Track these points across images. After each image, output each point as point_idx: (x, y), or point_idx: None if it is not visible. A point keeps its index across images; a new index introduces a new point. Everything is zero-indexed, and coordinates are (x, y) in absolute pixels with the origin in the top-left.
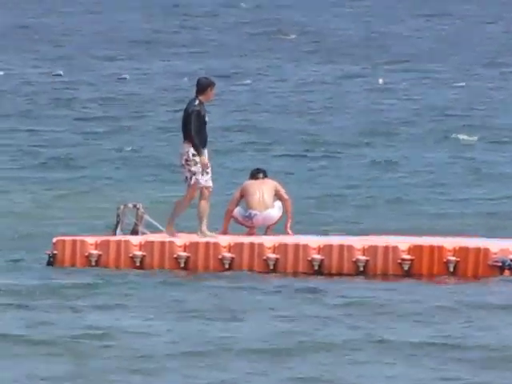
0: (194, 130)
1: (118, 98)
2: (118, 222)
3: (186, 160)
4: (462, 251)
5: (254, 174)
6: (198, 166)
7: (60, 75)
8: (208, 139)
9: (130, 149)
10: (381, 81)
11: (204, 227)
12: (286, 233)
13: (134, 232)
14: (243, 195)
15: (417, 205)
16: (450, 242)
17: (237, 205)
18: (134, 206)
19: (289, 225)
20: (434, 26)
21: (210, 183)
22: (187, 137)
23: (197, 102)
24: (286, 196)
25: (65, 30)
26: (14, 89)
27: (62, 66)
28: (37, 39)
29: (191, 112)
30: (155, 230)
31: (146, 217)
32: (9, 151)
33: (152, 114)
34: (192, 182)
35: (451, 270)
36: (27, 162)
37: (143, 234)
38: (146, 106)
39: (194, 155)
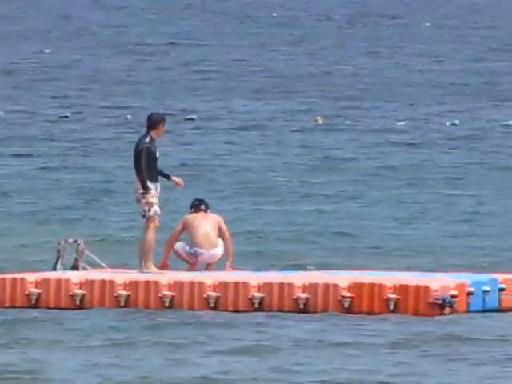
0: (143, 166)
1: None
2: (58, 258)
3: (142, 193)
4: (402, 289)
5: (196, 206)
6: (155, 197)
7: None
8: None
9: (70, 184)
10: (319, 119)
11: (150, 262)
12: (226, 270)
13: (75, 267)
14: (185, 229)
15: (359, 239)
16: (390, 280)
17: (177, 238)
18: (75, 241)
19: (228, 264)
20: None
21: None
22: (137, 172)
23: (148, 139)
24: (227, 234)
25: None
26: None
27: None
28: None
29: (141, 149)
30: (96, 266)
31: (87, 252)
32: None
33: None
34: (151, 213)
35: (391, 307)
36: None
37: (84, 269)
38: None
39: (149, 188)
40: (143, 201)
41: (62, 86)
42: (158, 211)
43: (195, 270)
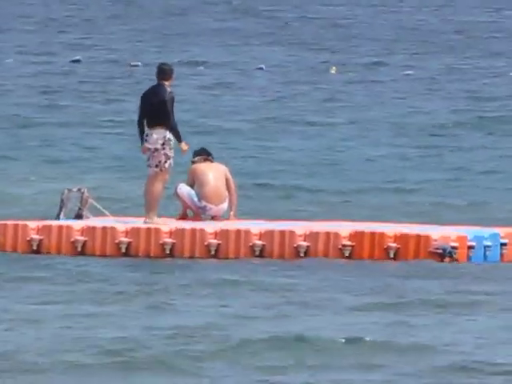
0: (172, 115)
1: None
2: (61, 207)
3: (163, 144)
4: (403, 238)
5: (202, 155)
6: (172, 150)
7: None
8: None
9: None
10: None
11: (154, 212)
12: (230, 219)
13: (78, 216)
14: (194, 180)
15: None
16: (391, 229)
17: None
18: (79, 189)
19: (233, 213)
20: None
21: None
22: (161, 121)
23: (169, 89)
24: (233, 185)
25: None
26: None
27: None
28: None
29: (168, 98)
30: (100, 214)
31: (91, 201)
32: None
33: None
34: (167, 165)
35: (392, 256)
36: None
37: (87, 218)
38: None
39: (169, 139)
40: (162, 152)
41: None
42: (172, 164)
43: (200, 220)
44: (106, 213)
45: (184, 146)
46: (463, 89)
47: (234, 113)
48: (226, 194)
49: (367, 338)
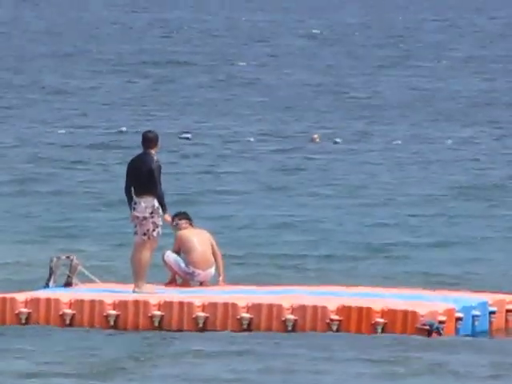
0: (159, 184)
1: None
2: (50, 274)
3: (151, 212)
4: (390, 313)
5: (183, 219)
6: (160, 219)
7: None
8: None
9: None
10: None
11: (143, 281)
12: (220, 284)
13: (68, 284)
14: (180, 247)
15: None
16: (378, 304)
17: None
18: (68, 257)
19: (221, 279)
20: None
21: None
22: (149, 190)
23: (156, 157)
24: (218, 251)
25: None
26: None
27: None
28: None
29: (155, 167)
30: (89, 281)
31: (80, 268)
32: None
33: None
34: (155, 234)
35: (379, 331)
36: None
37: (76, 285)
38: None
39: (158, 208)
40: (150, 220)
41: None
42: (160, 233)
43: (189, 286)
44: (96, 279)
45: (167, 217)
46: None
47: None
48: (213, 259)
49: None
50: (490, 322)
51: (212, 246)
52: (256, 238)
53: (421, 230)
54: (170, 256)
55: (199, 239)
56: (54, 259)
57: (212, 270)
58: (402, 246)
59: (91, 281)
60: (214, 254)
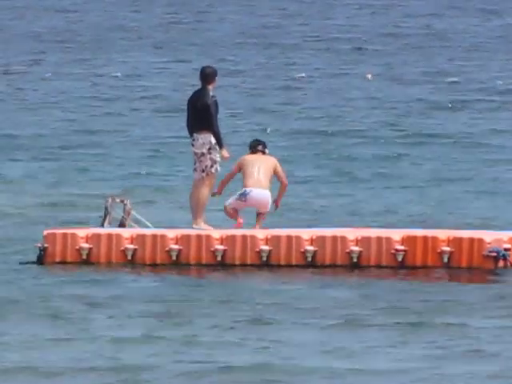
0: (214, 120)
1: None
2: (105, 215)
3: (209, 148)
4: (456, 241)
5: (254, 146)
6: (218, 155)
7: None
8: None
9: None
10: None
11: (201, 218)
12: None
13: (122, 225)
14: (241, 169)
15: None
16: (443, 233)
17: (232, 178)
18: (122, 201)
19: (277, 200)
20: None
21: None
22: (206, 126)
23: (212, 93)
24: (283, 178)
25: None
26: None
27: None
28: None
29: (211, 102)
30: (143, 226)
31: (133, 213)
32: None
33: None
34: (213, 170)
35: (445, 260)
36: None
37: (131, 227)
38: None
39: (215, 144)
40: (208, 156)
41: None
42: (219, 169)
43: (241, 226)
44: (149, 224)
45: (225, 152)
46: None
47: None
48: (269, 185)
49: None
50: None
51: (277, 172)
52: None
53: None
54: (229, 201)
55: (260, 166)
56: (109, 199)
57: (265, 192)
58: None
59: (145, 226)
60: (279, 179)
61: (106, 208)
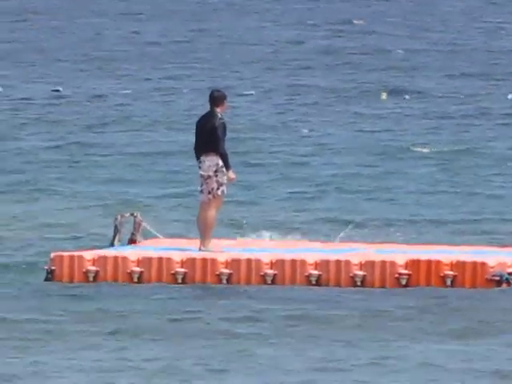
0: (221, 142)
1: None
2: (115, 233)
3: (216, 171)
4: (460, 266)
5: None
6: (225, 177)
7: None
8: None
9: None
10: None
11: (208, 240)
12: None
13: (132, 241)
14: None
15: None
16: (447, 257)
17: None
18: (132, 214)
19: None
20: None
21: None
22: (213, 149)
23: (220, 115)
24: None
25: None
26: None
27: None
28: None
29: (218, 125)
30: (153, 237)
31: (144, 224)
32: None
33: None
34: (219, 192)
35: (449, 284)
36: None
37: (139, 242)
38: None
39: (222, 167)
40: (215, 178)
41: None
42: (225, 191)
43: None
44: (159, 235)
45: (231, 174)
46: None
47: None
48: None
49: None
50: None
51: None
52: None
53: None
54: None
55: None
56: (119, 217)
57: None
58: None
59: (154, 237)
60: None
61: (116, 226)
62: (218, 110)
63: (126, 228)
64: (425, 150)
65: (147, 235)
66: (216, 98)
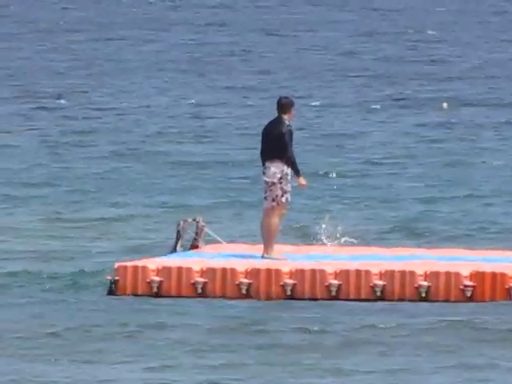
0: (289, 148)
1: None
2: (177, 238)
3: (280, 178)
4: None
5: None
6: (289, 185)
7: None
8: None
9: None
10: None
11: (272, 247)
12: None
13: (194, 247)
14: None
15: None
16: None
17: None
18: (194, 219)
19: None
20: None
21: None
22: (279, 155)
23: (287, 122)
24: None
25: None
26: None
27: None
28: None
29: (286, 132)
30: (215, 242)
31: (207, 230)
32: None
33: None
34: (283, 200)
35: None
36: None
37: (202, 247)
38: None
39: (287, 174)
40: (279, 186)
41: None
42: (290, 199)
43: None
44: (221, 240)
45: (302, 180)
46: None
47: None
48: None
49: None
50: None
51: None
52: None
53: None
54: None
55: None
56: (181, 222)
57: None
58: None
59: (217, 242)
60: None
61: (179, 231)
62: (286, 116)
63: (188, 234)
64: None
65: (210, 241)
66: (284, 105)
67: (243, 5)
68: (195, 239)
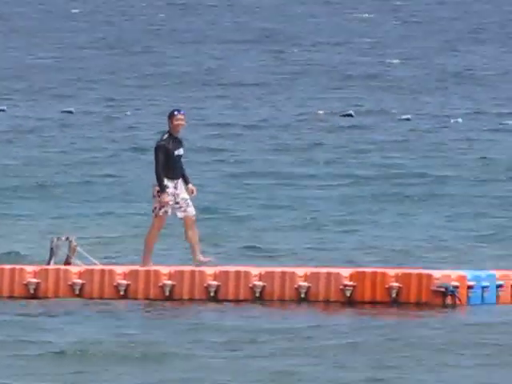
0: (158, 165)
1: None
2: (51, 255)
3: (158, 191)
4: (405, 277)
5: None
6: (170, 197)
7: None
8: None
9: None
10: None
11: (198, 254)
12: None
13: (67, 264)
14: None
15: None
16: (392, 269)
17: None
18: (67, 238)
19: None
20: None
21: (192, 212)
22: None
23: (165, 136)
24: None
25: None
26: None
27: None
28: None
29: (157, 147)
30: (89, 263)
31: (79, 249)
32: None
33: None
34: (161, 212)
35: (394, 295)
36: None
37: (76, 265)
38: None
39: (166, 187)
40: (157, 198)
41: None
42: (169, 212)
43: None
44: (95, 261)
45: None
46: None
47: None
48: None
49: None
50: (497, 296)
51: None
52: None
53: None
54: None
55: None
56: (54, 239)
57: None
58: None
59: (91, 263)
60: None
61: (52, 248)
62: (169, 129)
63: (62, 251)
64: None
65: (84, 260)
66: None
67: None
68: (68, 256)
